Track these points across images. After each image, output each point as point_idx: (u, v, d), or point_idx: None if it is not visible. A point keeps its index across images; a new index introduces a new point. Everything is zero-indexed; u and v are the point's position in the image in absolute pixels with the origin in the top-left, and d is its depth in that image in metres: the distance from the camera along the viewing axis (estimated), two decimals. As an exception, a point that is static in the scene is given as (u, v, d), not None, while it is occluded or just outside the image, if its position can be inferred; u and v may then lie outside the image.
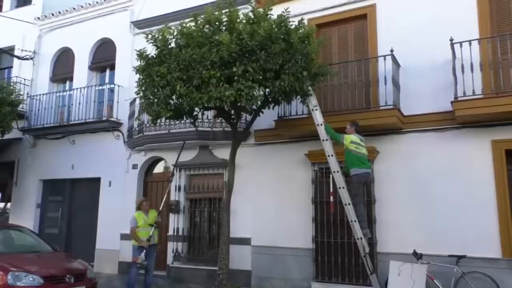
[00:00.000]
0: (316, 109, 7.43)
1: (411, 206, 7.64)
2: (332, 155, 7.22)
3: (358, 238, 6.92)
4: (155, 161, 10.61)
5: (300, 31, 7.15)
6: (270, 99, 7.46)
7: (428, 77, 7.85)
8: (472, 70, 7.15)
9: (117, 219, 10.11)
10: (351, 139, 7.10)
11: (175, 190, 9.77)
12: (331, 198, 7.92)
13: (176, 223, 9.56)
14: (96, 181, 10.77)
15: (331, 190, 7.93)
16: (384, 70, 7.78)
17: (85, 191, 11.06)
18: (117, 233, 10.10)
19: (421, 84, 7.91)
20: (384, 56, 7.81)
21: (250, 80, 6.53)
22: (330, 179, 7.93)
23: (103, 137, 10.81)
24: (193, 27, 6.99)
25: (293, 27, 7.14)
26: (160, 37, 7.06)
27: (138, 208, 7.83)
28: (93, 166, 10.84)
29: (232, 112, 7.95)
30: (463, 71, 7.19)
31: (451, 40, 7.26)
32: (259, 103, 7.06)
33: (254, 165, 9.22)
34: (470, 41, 7.15)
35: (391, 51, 7.80)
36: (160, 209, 8.12)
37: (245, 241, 8.73)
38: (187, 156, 9.85)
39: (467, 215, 7.21)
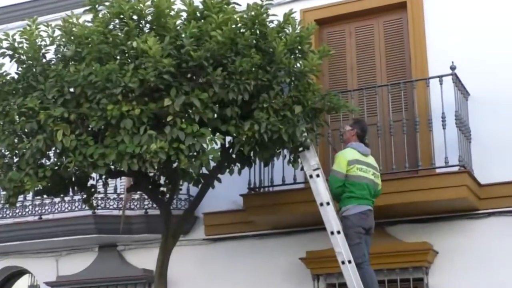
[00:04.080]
0: (318, 175, 7.62)
1: None
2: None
3: None
4: (14, 274, 10.66)
5: (288, 32, 7.41)
6: (233, 156, 7.64)
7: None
8: None
9: None
10: (346, 157, 7.39)
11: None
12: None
13: None
14: None
15: None
16: (441, 102, 8.10)
17: None
18: None
19: (509, 127, 8.39)
20: (440, 77, 8.17)
21: (195, 121, 6.68)
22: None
23: None
24: (90, 25, 7.13)
25: (275, 25, 7.40)
26: (24, 43, 7.15)
27: None
28: None
29: (162, 180, 8.06)
30: None
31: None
32: (212, 163, 7.19)
33: (205, 280, 9.30)
34: None
35: (452, 68, 8.19)
36: None
37: None
38: (76, 264, 9.96)
39: None
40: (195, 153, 6.70)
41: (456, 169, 7.96)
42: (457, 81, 8.22)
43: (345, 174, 7.35)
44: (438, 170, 8.18)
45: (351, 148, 7.53)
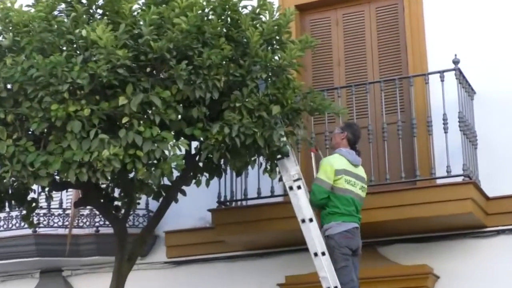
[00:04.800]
0: (299, 187, 7.60)
1: None
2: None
3: None
4: None
5: (265, 19, 7.39)
6: (200, 164, 7.67)
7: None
8: None
9: None
10: (334, 165, 7.37)
11: None
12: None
13: None
14: None
15: None
16: (442, 101, 8.12)
17: None
18: None
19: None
20: (442, 73, 8.22)
21: (155, 123, 6.66)
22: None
23: None
24: (30, 10, 7.06)
25: (249, 11, 7.40)
26: None
27: None
28: None
29: (117, 193, 8.04)
30: None
31: None
32: (175, 172, 7.16)
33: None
34: None
35: (456, 62, 8.22)
36: None
37: None
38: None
39: None
40: (155, 161, 6.70)
41: (459, 179, 7.99)
42: (461, 77, 8.25)
43: (332, 185, 7.34)
44: (438, 181, 8.21)
45: (340, 155, 7.52)
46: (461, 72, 8.23)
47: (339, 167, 7.38)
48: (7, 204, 7.63)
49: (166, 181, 7.51)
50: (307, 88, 8.12)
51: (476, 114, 8.67)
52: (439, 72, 8.24)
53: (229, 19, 7.22)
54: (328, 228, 7.31)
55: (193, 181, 7.80)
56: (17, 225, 9.55)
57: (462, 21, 8.99)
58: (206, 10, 7.12)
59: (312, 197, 7.45)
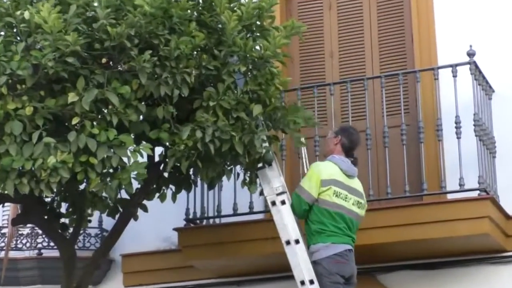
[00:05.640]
0: (284, 202, 7.57)
1: None
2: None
3: None
4: None
5: (244, 2, 7.40)
6: (165, 175, 7.71)
7: None
8: None
9: None
10: (321, 173, 7.32)
11: None
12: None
13: None
14: None
15: None
16: (454, 101, 8.15)
17: None
18: None
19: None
20: (454, 67, 8.24)
21: (112, 125, 6.64)
22: None
23: None
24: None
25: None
26: None
27: None
28: None
29: (64, 209, 8.00)
30: None
31: None
32: (135, 184, 7.10)
33: None
34: None
35: (471, 54, 8.24)
36: None
37: None
38: None
39: None
40: (111, 170, 6.69)
41: (474, 194, 8.01)
42: (477, 72, 8.29)
43: (316, 197, 7.33)
44: (449, 196, 8.25)
45: (332, 163, 7.50)
46: (477, 66, 8.26)
47: (327, 177, 7.34)
48: None
49: (124, 194, 7.49)
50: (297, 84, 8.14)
51: (494, 116, 8.73)
52: (451, 66, 8.26)
53: (201, 1, 7.23)
54: (314, 251, 7.29)
55: (157, 194, 7.80)
56: None
57: (478, 7, 9.05)
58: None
59: (292, 208, 7.47)
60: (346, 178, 7.45)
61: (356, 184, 7.56)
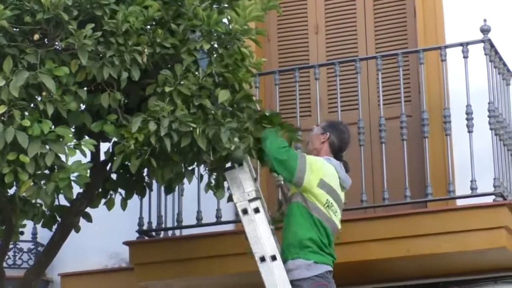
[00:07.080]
0: (257, 210, 7.59)
1: None
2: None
3: None
4: None
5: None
6: (112, 176, 7.81)
7: None
8: None
9: None
10: (325, 172, 7.32)
11: None
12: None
13: None
14: None
15: None
16: (466, 86, 8.24)
17: None
18: None
19: None
20: (465, 45, 8.28)
21: (47, 115, 6.64)
22: None
23: None
24: None
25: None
26: None
27: None
28: None
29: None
30: None
31: None
32: (76, 188, 7.08)
33: None
34: None
35: (485, 30, 8.26)
36: None
37: None
38: None
39: None
40: (46, 171, 6.70)
41: (489, 200, 8.05)
42: (492, 52, 8.33)
43: (302, 185, 7.30)
44: (459, 202, 8.30)
45: (331, 165, 7.46)
46: (492, 45, 8.30)
47: (327, 181, 7.34)
48: None
49: (63, 200, 7.49)
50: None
51: (512, 106, 8.79)
52: (461, 44, 8.31)
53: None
54: (293, 269, 7.29)
55: (103, 201, 7.84)
56: None
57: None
58: None
59: (267, 144, 7.45)
60: (340, 188, 7.47)
61: (343, 195, 7.56)
